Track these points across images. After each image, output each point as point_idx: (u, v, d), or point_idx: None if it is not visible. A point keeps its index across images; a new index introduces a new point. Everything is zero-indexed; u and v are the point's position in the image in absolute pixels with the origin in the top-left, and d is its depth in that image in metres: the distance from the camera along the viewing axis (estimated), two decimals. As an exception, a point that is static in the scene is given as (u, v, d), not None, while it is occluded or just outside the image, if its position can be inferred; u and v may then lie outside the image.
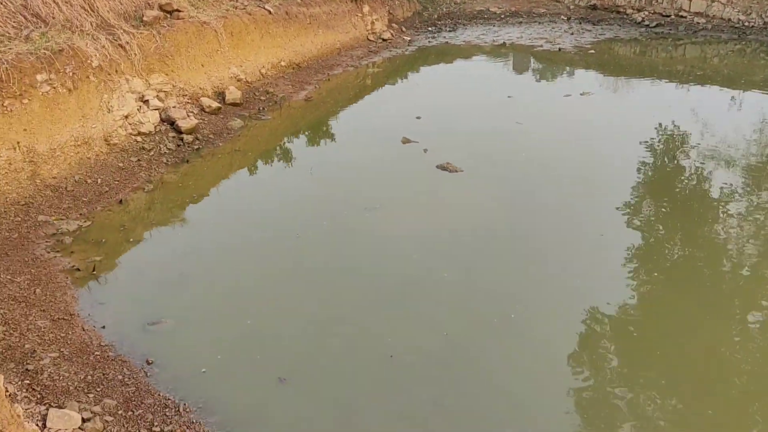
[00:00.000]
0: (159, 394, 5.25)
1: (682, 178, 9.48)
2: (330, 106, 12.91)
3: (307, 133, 11.61)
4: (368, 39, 17.80)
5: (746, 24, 17.90)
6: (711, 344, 5.84)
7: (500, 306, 6.36)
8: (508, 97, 13.25)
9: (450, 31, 19.89)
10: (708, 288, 6.75)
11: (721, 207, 8.47)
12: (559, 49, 17.34)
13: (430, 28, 20.04)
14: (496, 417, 5.05)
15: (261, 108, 12.08)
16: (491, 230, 7.86)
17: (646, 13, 19.62)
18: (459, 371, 5.53)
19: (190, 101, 11.19)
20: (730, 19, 18.23)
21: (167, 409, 5.10)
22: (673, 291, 6.70)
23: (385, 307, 6.41)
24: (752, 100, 13.02)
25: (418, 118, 11.83)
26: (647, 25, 19.28)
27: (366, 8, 17.85)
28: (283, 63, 14.15)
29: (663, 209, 8.50)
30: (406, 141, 10.67)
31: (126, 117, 9.87)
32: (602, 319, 6.24)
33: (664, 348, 5.84)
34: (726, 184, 9.06)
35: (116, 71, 9.85)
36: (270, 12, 14.03)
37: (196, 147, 10.18)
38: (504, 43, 18.28)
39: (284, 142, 11.10)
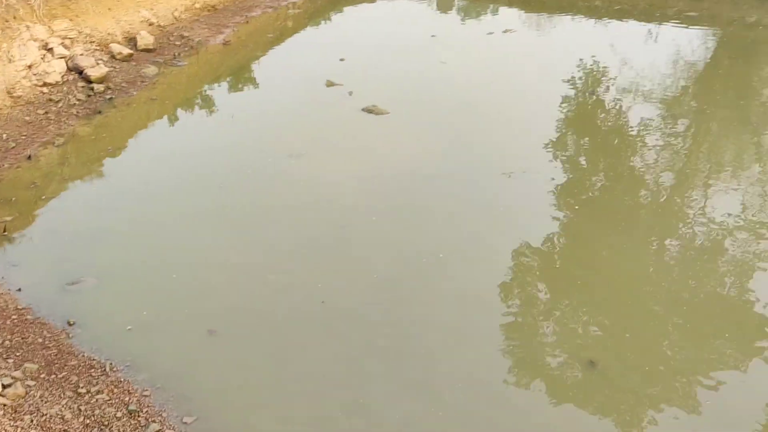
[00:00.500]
0: (83, 355, 5.07)
1: (602, 112, 9.70)
2: (250, 50, 12.44)
3: (227, 78, 11.17)
4: (287, -21, 17.11)
5: (661, -42, 18.18)
6: (630, 270, 6.09)
7: (429, 246, 6.40)
8: (432, 36, 13.10)
9: (371, -31, 19.35)
10: (627, 217, 7.00)
11: (638, 139, 8.73)
12: (482, -13, 17.17)
13: (351, -33, 19.43)
14: (429, 352, 5.13)
15: (176, 54, 11.50)
16: (419, 172, 7.85)
17: (566, -52, 19.60)
18: (391, 312, 5.57)
19: (98, 48, 10.52)
20: (645, -46, 18.45)
21: (93, 370, 4.93)
22: (595, 222, 6.91)
23: (315, 253, 6.35)
24: (667, 33, 13.35)
25: (342, 60, 11.57)
26: (567, -39, 19.29)
27: (283, -54, 17.07)
28: (197, 5, 13.46)
29: (584, 143, 8.70)
30: (330, 84, 10.43)
31: (29, 67, 9.20)
32: (528, 252, 6.39)
33: (586, 276, 6.05)
34: (643, 116, 9.33)
35: (14, 17, 9.12)
36: (180, -50, 13.22)
37: (108, 97, 9.63)
38: (427, -20, 17.95)
39: (203, 89, 10.66)
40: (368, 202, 7.18)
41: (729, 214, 6.85)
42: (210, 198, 7.30)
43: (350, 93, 10.07)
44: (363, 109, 9.41)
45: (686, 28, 13.58)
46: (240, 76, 11.28)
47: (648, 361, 5.04)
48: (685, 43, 12.63)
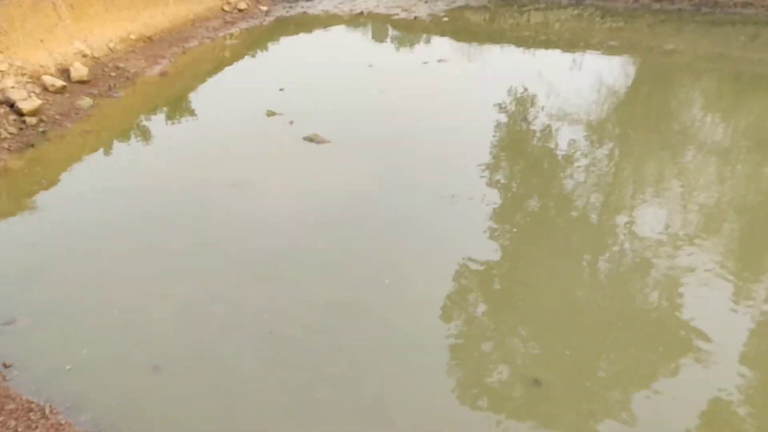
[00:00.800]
0: (21, 398, 4.91)
1: (533, 137, 10.11)
2: (188, 80, 12.40)
3: (164, 109, 11.09)
4: (224, 9, 17.18)
5: (583, -10, 19.17)
6: (567, 289, 6.35)
7: (374, 272, 6.52)
8: (370, 65, 13.38)
9: (307, 0, 19.64)
10: (561, 237, 7.30)
11: (568, 162, 9.14)
12: (415, 18, 17.70)
13: (286, -2, 19.68)
14: (378, 377, 5.22)
15: (112, 85, 11.35)
16: (362, 199, 7.99)
17: (494, -20, 20.42)
18: (339, 339, 5.63)
19: (30, 80, 10.28)
20: (568, -14, 19.41)
21: (31, 413, 4.78)
22: (531, 243, 7.18)
23: (260, 283, 6.36)
24: (591, 61, 14.05)
25: (282, 89, 11.67)
26: (495, -7, 20.09)
27: (218, -23, 17.17)
28: (132, 36, 13.34)
29: (518, 167, 9.04)
30: (271, 113, 10.51)
31: (-45, 101, 8.93)
32: (469, 274, 6.58)
33: (525, 296, 6.28)
34: (571, 140, 9.78)
35: (-62, 50, 8.84)
36: (112, -18, 13.12)
37: (41, 130, 9.42)
38: (362, 12, 18.36)
39: (140, 120, 10.54)
40: (313, 230, 7.25)
41: (654, 231, 7.24)
42: (150, 230, 7.22)
43: (291, 122, 10.17)
44: (304, 138, 9.52)
45: (608, 56, 14.32)
46: (178, 107, 11.21)
47: (588, 376, 5.26)
48: (607, 71, 13.33)
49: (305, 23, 17.34)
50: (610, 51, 14.65)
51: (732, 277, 6.47)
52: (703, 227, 7.39)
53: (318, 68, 13.34)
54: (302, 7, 18.79)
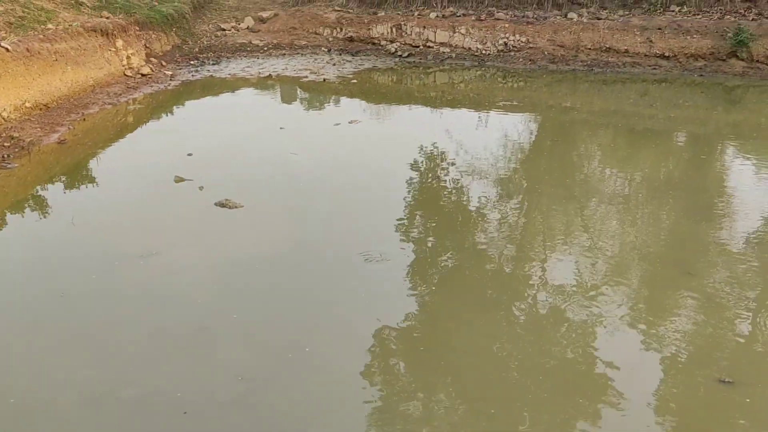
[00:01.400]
0: None
1: (445, 193, 10.29)
2: (88, 147, 11.90)
3: (63, 178, 10.54)
4: (125, 74, 16.80)
5: (483, 52, 20.14)
6: (486, 344, 6.35)
7: (294, 339, 6.29)
8: (281, 128, 13.34)
9: (213, 64, 19.57)
10: (477, 292, 7.36)
11: (480, 216, 9.33)
12: (324, 80, 17.94)
13: (192, 62, 19.52)
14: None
15: (5, 155, 10.72)
16: (278, 264, 7.78)
17: (398, 44, 21.14)
18: (259, 414, 5.33)
19: None
20: (470, 48, 20.36)
21: None
22: (449, 299, 7.18)
23: (173, 360, 5.99)
24: (496, 118, 14.63)
25: (190, 154, 11.38)
26: (400, 55, 20.76)
27: (119, 42, 16.83)
28: (27, 104, 12.74)
29: (432, 223, 9.13)
30: (179, 180, 10.19)
31: None
32: (389, 334, 6.47)
33: (446, 355, 6.22)
34: (482, 194, 10.02)
35: None
36: (7, 50, 12.57)
37: None
38: (270, 75, 18.44)
39: (37, 191, 9.95)
40: (228, 299, 6.96)
41: (565, 280, 7.43)
42: (51, 307, 6.71)
43: (201, 188, 9.88)
44: (216, 204, 9.25)
45: (511, 114, 14.97)
46: (78, 175, 10.69)
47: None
48: (511, 127, 13.90)
49: (212, 86, 17.20)
50: (513, 109, 15.33)
51: (640, 321, 6.69)
52: (610, 274, 7.65)
53: (227, 132, 13.17)
54: (208, 70, 18.67)
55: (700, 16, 18.82)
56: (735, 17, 18.42)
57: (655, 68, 18.27)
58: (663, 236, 8.80)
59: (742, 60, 17.59)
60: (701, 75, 17.64)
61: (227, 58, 20.35)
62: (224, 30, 21.97)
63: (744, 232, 8.61)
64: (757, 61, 17.45)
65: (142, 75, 17.10)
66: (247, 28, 22.35)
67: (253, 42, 21.60)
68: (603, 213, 9.45)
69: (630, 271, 7.78)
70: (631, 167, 11.85)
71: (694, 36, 18.18)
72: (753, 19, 18.11)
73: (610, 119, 14.96)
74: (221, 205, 9.23)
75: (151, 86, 16.51)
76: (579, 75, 18.21)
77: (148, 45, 18.57)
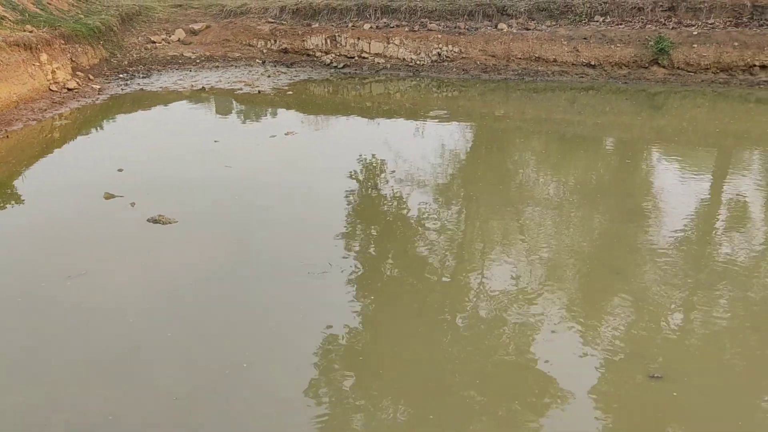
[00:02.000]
0: None
1: (385, 202, 10.33)
2: (12, 165, 11.38)
3: (-16, 198, 10.04)
4: (51, 89, 16.17)
5: (418, 62, 20.38)
6: (429, 352, 6.38)
7: (231, 356, 6.15)
8: (215, 141, 13.11)
9: (144, 77, 19.08)
10: (420, 300, 7.39)
11: (420, 225, 9.40)
12: (259, 92, 17.76)
13: (121, 75, 18.99)
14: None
15: None
16: (214, 279, 7.61)
17: (333, 55, 21.15)
18: (197, 434, 5.18)
19: None
20: (404, 59, 20.57)
21: None
22: (392, 309, 7.19)
23: (106, 383, 5.76)
24: (432, 128, 14.79)
25: (120, 170, 11.04)
26: (336, 66, 20.78)
27: (44, 56, 16.20)
28: (-57, 121, 12.10)
29: (373, 234, 9.13)
30: (109, 196, 9.85)
31: None
32: (330, 346, 6.41)
33: (389, 364, 6.22)
34: (422, 203, 10.10)
35: None
36: None
37: None
38: (203, 87, 18.12)
39: (-45, 213, 9.44)
40: (162, 318, 6.76)
41: (504, 285, 7.55)
42: (-30, 337, 6.34)
43: (132, 204, 9.59)
44: (149, 220, 8.99)
45: (447, 123, 15.18)
46: (2, 195, 10.20)
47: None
48: (448, 137, 14.09)
49: (143, 100, 16.76)
50: (449, 118, 15.54)
51: (575, 322, 6.86)
52: (546, 277, 7.82)
53: (159, 146, 12.84)
54: (138, 84, 18.19)
55: (623, 26, 19.59)
56: (656, 26, 19.26)
57: (582, 76, 18.90)
58: (595, 239, 9.07)
59: (664, 67, 18.39)
60: (625, 82, 18.35)
61: (158, 71, 19.88)
62: (154, 42, 21.49)
63: (670, 232, 8.97)
64: (678, 67, 18.28)
65: (69, 89, 16.51)
66: (179, 40, 21.92)
67: (184, 54, 21.19)
68: (538, 218, 9.67)
69: (565, 273, 7.97)
70: (563, 173, 12.19)
71: (618, 45, 18.91)
72: (673, 28, 18.98)
73: (542, 126, 15.37)
74: (154, 221, 8.97)
75: (79, 101, 15.96)
76: (511, 84, 18.65)
77: (74, 59, 17.95)
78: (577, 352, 6.39)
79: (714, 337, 6.65)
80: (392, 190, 10.75)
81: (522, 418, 5.51)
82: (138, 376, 5.86)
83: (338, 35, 21.21)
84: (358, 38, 21.06)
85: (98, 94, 16.83)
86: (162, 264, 7.97)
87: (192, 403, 5.52)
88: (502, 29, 20.28)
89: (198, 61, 20.97)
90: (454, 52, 20.17)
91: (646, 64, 18.57)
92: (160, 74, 19.51)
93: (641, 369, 6.05)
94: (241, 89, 18.01)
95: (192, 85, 18.27)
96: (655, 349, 6.42)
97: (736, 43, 17.95)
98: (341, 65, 20.81)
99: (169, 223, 8.96)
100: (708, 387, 5.91)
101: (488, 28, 20.54)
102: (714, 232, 9.28)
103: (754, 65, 17.70)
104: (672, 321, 6.92)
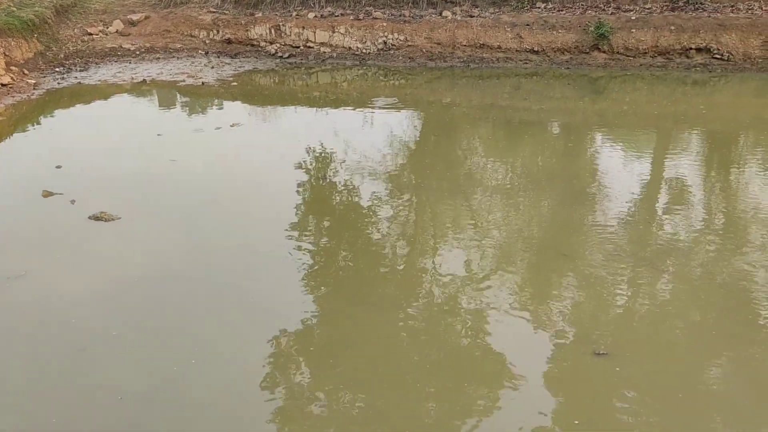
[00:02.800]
0: None
1: (336, 192, 10.27)
2: (-59, 165, 10.86)
3: None
4: (-19, 85, 15.47)
5: (364, 51, 20.28)
6: (384, 341, 6.40)
7: (179, 354, 6.03)
8: (158, 135, 12.77)
9: (82, 70, 18.42)
10: (373, 289, 7.39)
11: (371, 214, 9.38)
12: (203, 83, 17.38)
13: (58, 69, 18.29)
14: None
15: None
16: (160, 276, 7.44)
17: (278, 45, 20.85)
18: (149, 435, 5.06)
19: None
20: (350, 48, 20.43)
21: None
22: (346, 299, 7.17)
23: (50, 386, 5.57)
24: (381, 117, 14.76)
25: (59, 167, 10.64)
26: (281, 56, 20.48)
27: (-27, 50, 15.46)
28: None
29: (325, 224, 9.08)
30: (47, 194, 9.49)
31: None
32: (286, 340, 6.36)
33: (345, 355, 6.20)
34: (373, 192, 10.08)
35: None
36: None
37: None
38: (144, 80, 17.62)
39: None
40: (108, 318, 6.57)
41: (456, 272, 7.62)
42: None
43: (73, 201, 9.27)
44: (90, 218, 8.71)
45: (396, 111, 15.17)
46: (-70, 197, 9.71)
47: (404, 428, 5.26)
48: (396, 125, 14.08)
49: (81, 94, 16.19)
50: (397, 107, 15.54)
51: (526, 305, 7.00)
52: (497, 262, 7.93)
53: (100, 141, 12.44)
54: (76, 77, 17.55)
55: (564, 12, 19.91)
56: (596, 12, 19.64)
57: (526, 62, 19.15)
58: (542, 222, 9.24)
59: (604, 52, 18.77)
60: (568, 68, 18.68)
61: (96, 63, 19.22)
62: (92, 35, 20.74)
63: (614, 213, 9.20)
64: (617, 52, 18.69)
65: (3, 85, 15.80)
66: (117, 31, 21.22)
67: (123, 46, 20.53)
68: (487, 204, 9.78)
69: (514, 257, 8.09)
70: (511, 158, 12.35)
71: (560, 31, 19.22)
72: (612, 13, 19.39)
73: (488, 113, 15.53)
74: (96, 218, 8.69)
75: (13, 96, 15.31)
76: (457, 71, 18.76)
77: (7, 53, 17.17)
78: (528, 334, 6.51)
79: (658, 313, 6.87)
80: (343, 180, 10.69)
81: (475, 401, 5.58)
82: (82, 379, 5.69)
83: (283, 25, 20.90)
84: (303, 27, 20.81)
85: (33, 89, 16.18)
86: (105, 262, 7.74)
87: (137, 404, 5.39)
88: (446, 17, 20.35)
89: (138, 52, 20.35)
90: (400, 40, 20.15)
91: (587, 50, 18.93)
92: (99, 67, 18.88)
93: (588, 347, 6.20)
94: (183, 81, 17.59)
95: (132, 78, 17.75)
96: (601, 327, 6.59)
97: (672, 27, 18.47)
98: (287, 55, 20.53)
99: (112, 220, 8.70)
100: (650, 361, 6.10)
101: (433, 15, 20.58)
102: (656, 211, 9.57)
103: (690, 48, 18.24)
104: (618, 299, 7.11)
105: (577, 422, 5.34)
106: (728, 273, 7.50)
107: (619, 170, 11.13)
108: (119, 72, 18.37)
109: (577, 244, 8.36)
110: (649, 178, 10.90)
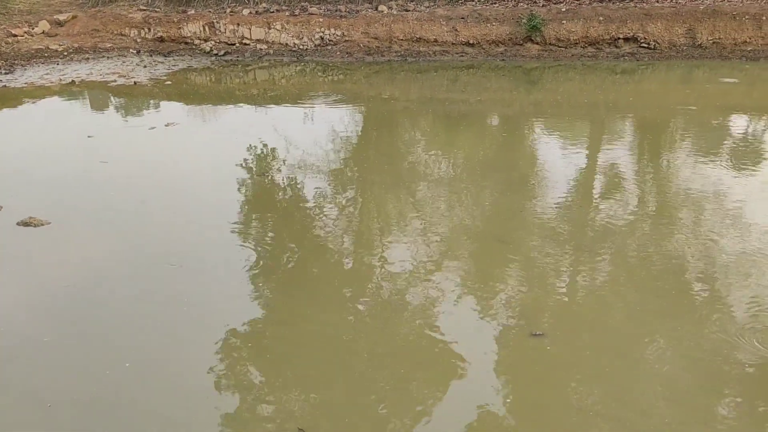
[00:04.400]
0: None
1: (279, 190, 10.15)
2: None
3: None
4: None
5: (301, 47, 20.11)
6: (333, 336, 6.36)
7: (116, 361, 5.85)
8: (89, 136, 12.34)
9: (7, 73, 17.62)
10: (322, 286, 7.34)
11: (316, 210, 9.32)
12: (135, 83, 16.88)
13: (-21, 72, 17.43)
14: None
15: None
16: (94, 281, 7.20)
17: (213, 42, 20.45)
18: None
19: None
20: (287, 44, 20.23)
21: None
22: (293, 297, 7.10)
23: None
24: (321, 113, 14.68)
25: (-16, 173, 10.17)
26: (216, 54, 20.10)
27: None
28: None
29: (269, 222, 8.96)
30: (-28, 202, 9.05)
31: None
32: (230, 340, 6.25)
33: (294, 352, 6.15)
34: (317, 189, 10.01)
35: None
36: None
37: None
38: (73, 81, 16.99)
39: None
40: (39, 324, 6.32)
41: (403, 265, 7.65)
42: None
43: None
44: (18, 223, 8.36)
45: (336, 107, 15.12)
46: None
47: (358, 420, 5.28)
48: (337, 121, 14.02)
49: (7, 97, 15.48)
50: (337, 102, 15.48)
51: (471, 293, 7.11)
52: (441, 253, 8.01)
53: (27, 145, 11.93)
54: (0, 80, 16.79)
55: (497, 5, 20.24)
56: (528, 4, 20.04)
57: (462, 55, 19.38)
58: (484, 212, 9.38)
59: (537, 44, 19.18)
60: (503, 59, 19.01)
61: (22, 65, 18.42)
62: (16, 36, 19.85)
63: (552, 201, 9.42)
64: (550, 43, 19.13)
65: None
66: (43, 32, 20.37)
67: (50, 47, 19.73)
68: (430, 195, 9.85)
69: (458, 247, 8.19)
70: (451, 150, 12.48)
71: (494, 23, 19.53)
72: (543, 5, 19.83)
73: (428, 106, 15.64)
74: (25, 224, 8.35)
75: (-70, 101, 14.51)
76: (395, 65, 18.82)
77: None
78: (472, 321, 6.62)
79: (595, 295, 7.09)
80: (285, 177, 10.58)
81: (432, 391, 5.63)
82: (11, 389, 5.45)
83: (216, 22, 20.50)
84: (238, 24, 20.47)
85: (-47, 92, 15.38)
86: (35, 269, 7.45)
87: (66, 412, 5.21)
88: (382, 11, 20.38)
89: (66, 53, 19.60)
90: (337, 35, 20.07)
91: (521, 42, 19.29)
92: (25, 69, 18.10)
93: (527, 330, 6.36)
94: (115, 81, 17.04)
95: (60, 79, 17.08)
96: (541, 310, 6.74)
97: (601, 18, 19.02)
98: (222, 52, 20.15)
99: (41, 225, 8.37)
100: (583, 340, 6.29)
101: (369, 10, 20.58)
102: (592, 197, 9.85)
103: (619, 38, 18.83)
104: (557, 282, 7.30)
105: (509, 400, 5.49)
106: (662, 254, 7.80)
107: (557, 159, 11.40)
108: (46, 74, 17.66)
109: (517, 231, 8.53)
110: (584, 165, 11.21)
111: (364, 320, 6.69)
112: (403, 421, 5.30)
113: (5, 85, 16.36)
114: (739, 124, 13.71)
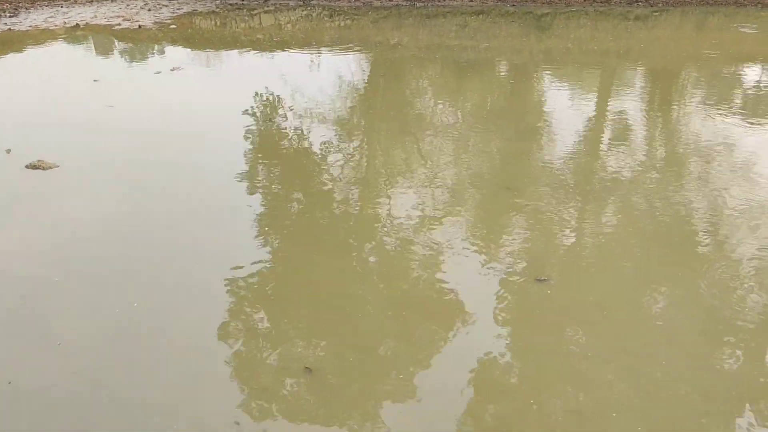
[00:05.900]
0: None
1: (286, 138, 10.12)
2: None
3: None
4: None
5: (308, -8, 19.71)
6: (341, 282, 6.43)
7: (134, 302, 5.94)
8: (95, 81, 12.26)
9: (11, 16, 17.41)
10: (328, 233, 7.38)
11: (323, 159, 9.30)
12: (139, 27, 16.66)
13: (-17, 15, 17.21)
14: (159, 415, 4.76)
15: None
16: (107, 227, 7.25)
17: (219, -15, 20.07)
18: (97, 388, 5.02)
19: None
20: (293, -12, 19.82)
21: None
22: (301, 244, 7.14)
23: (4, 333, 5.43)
24: (327, 60, 14.49)
25: (-9, 117, 10.16)
26: (222, -2, 19.76)
27: None
28: None
29: (275, 170, 8.96)
30: (-20, 146, 9.07)
31: None
32: (240, 289, 6.32)
33: (302, 298, 6.22)
34: (323, 137, 9.97)
35: None
36: None
37: None
38: (77, 24, 16.77)
39: None
40: (52, 268, 6.39)
41: (410, 214, 7.67)
42: None
43: (8, 151, 8.89)
44: (27, 166, 8.39)
45: (343, 53, 14.91)
46: None
47: (366, 362, 5.37)
48: (344, 68, 13.86)
49: (12, 41, 15.32)
50: (344, 49, 15.26)
51: (477, 242, 7.12)
52: (448, 201, 8.01)
53: (35, 89, 11.88)
54: (6, 23, 16.58)
55: (510, -51, 19.69)
56: (541, -51, 19.50)
57: (472, 0, 18.96)
58: (492, 160, 9.33)
59: (550, -10, 18.75)
60: (513, 5, 18.60)
61: (26, 8, 18.18)
62: (17, -24, 19.50)
63: (560, 150, 9.36)
64: (562, -10, 18.71)
65: None
66: (44, -27, 19.99)
67: (53, -12, 19.42)
68: (438, 145, 9.80)
69: (465, 196, 8.18)
70: (460, 98, 12.35)
71: (507, -32, 19.04)
72: (556, -49, 19.29)
73: (436, 53, 15.40)
74: (33, 167, 8.38)
75: (-66, 44, 14.39)
76: (403, 10, 18.46)
77: None
78: (478, 266, 6.65)
79: (600, 242, 7.10)
80: (291, 125, 10.53)
81: (438, 339, 5.70)
82: (31, 327, 5.56)
83: (222, -36, 20.06)
84: (244, -33, 20.03)
85: (-43, 35, 15.24)
86: (46, 212, 7.49)
87: (92, 354, 5.32)
88: (392, -46, 19.86)
89: (69, -5, 19.29)
90: (345, -21, 19.63)
91: (533, -13, 18.85)
92: (29, 12, 17.87)
93: (533, 276, 6.39)
94: (119, 24, 16.83)
95: (65, 23, 16.87)
96: (547, 256, 6.77)
97: (616, -36, 18.52)
98: (227, -4, 19.80)
99: (50, 168, 8.39)
100: (586, 284, 6.33)
101: (378, -47, 20.05)
102: (601, 147, 9.77)
103: (633, -15, 18.38)
104: (563, 231, 7.31)
105: (513, 345, 5.56)
106: (669, 204, 7.78)
107: (566, 107, 11.28)
108: (50, 17, 17.44)
109: (526, 180, 8.50)
110: (593, 114, 11.09)
111: (370, 268, 6.75)
112: (407, 361, 5.39)
113: (10, 29, 16.18)
114: (753, 73, 13.46)
